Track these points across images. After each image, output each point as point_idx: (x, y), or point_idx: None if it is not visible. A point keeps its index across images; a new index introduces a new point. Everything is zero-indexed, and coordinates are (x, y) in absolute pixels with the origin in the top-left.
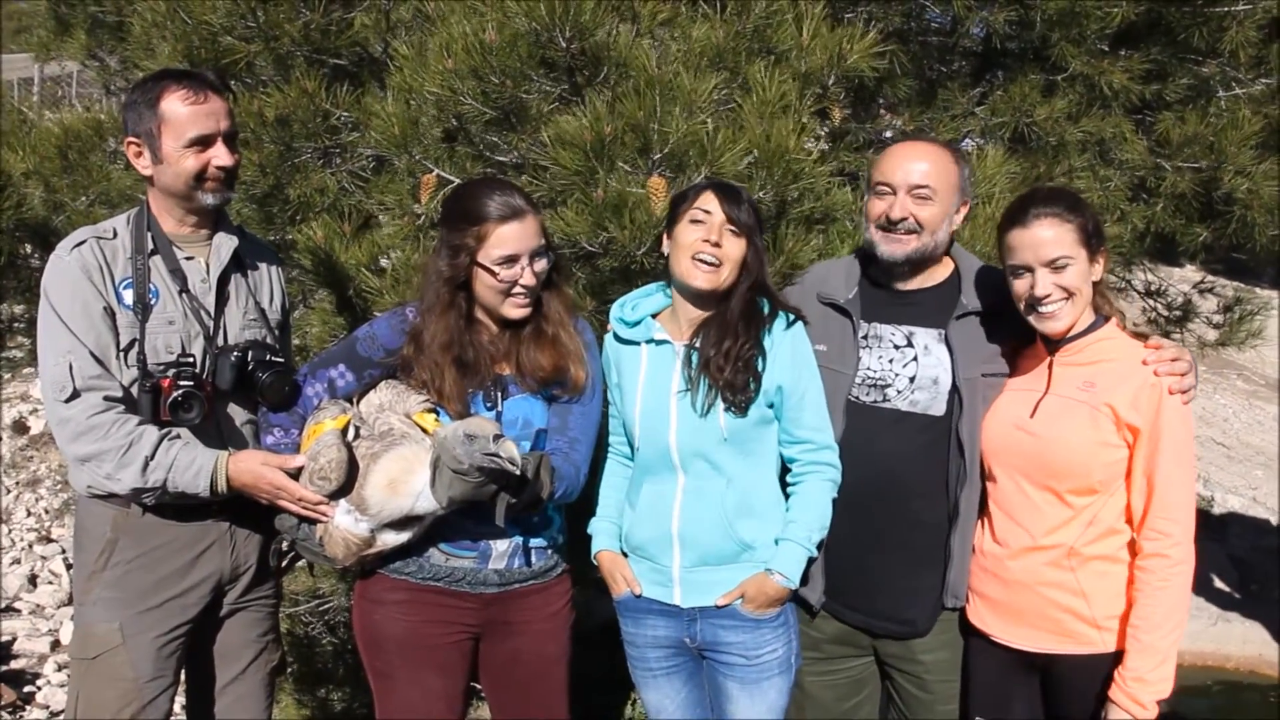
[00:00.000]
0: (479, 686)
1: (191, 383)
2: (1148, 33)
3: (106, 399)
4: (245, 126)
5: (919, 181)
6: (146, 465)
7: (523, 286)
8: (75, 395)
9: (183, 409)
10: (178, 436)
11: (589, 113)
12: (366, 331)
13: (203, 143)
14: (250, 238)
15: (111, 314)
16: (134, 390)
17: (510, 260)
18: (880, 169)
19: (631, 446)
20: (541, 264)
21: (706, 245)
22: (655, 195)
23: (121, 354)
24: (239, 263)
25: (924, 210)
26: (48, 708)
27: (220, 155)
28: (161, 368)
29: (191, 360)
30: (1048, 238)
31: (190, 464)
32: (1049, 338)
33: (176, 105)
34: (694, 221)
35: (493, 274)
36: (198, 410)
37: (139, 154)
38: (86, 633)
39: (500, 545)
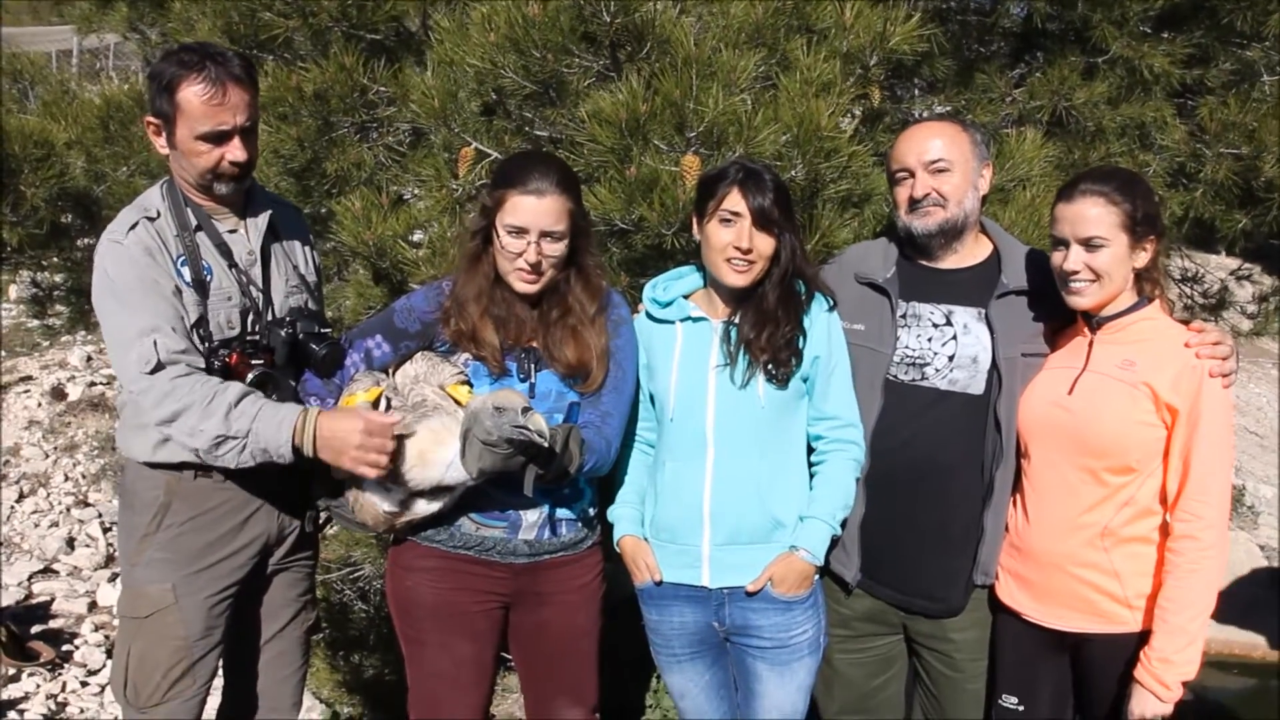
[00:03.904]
0: (509, 656)
1: (262, 361)
2: (1191, 15)
3: (190, 367)
4: (284, 101)
5: (933, 157)
6: (230, 411)
7: (526, 262)
8: (160, 367)
9: (265, 390)
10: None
11: (625, 89)
12: (404, 304)
13: (217, 138)
14: (274, 199)
15: (179, 292)
16: None
17: (518, 232)
18: (895, 157)
19: (658, 427)
20: (553, 248)
21: (737, 252)
22: (688, 174)
23: (191, 330)
24: (273, 230)
25: (944, 183)
26: (85, 665)
27: (234, 151)
28: (223, 344)
29: (258, 338)
30: (1088, 215)
31: (275, 413)
32: (1090, 316)
33: (192, 99)
34: (723, 222)
35: (500, 239)
36: (272, 388)
37: (157, 134)
38: (138, 593)
39: (530, 516)
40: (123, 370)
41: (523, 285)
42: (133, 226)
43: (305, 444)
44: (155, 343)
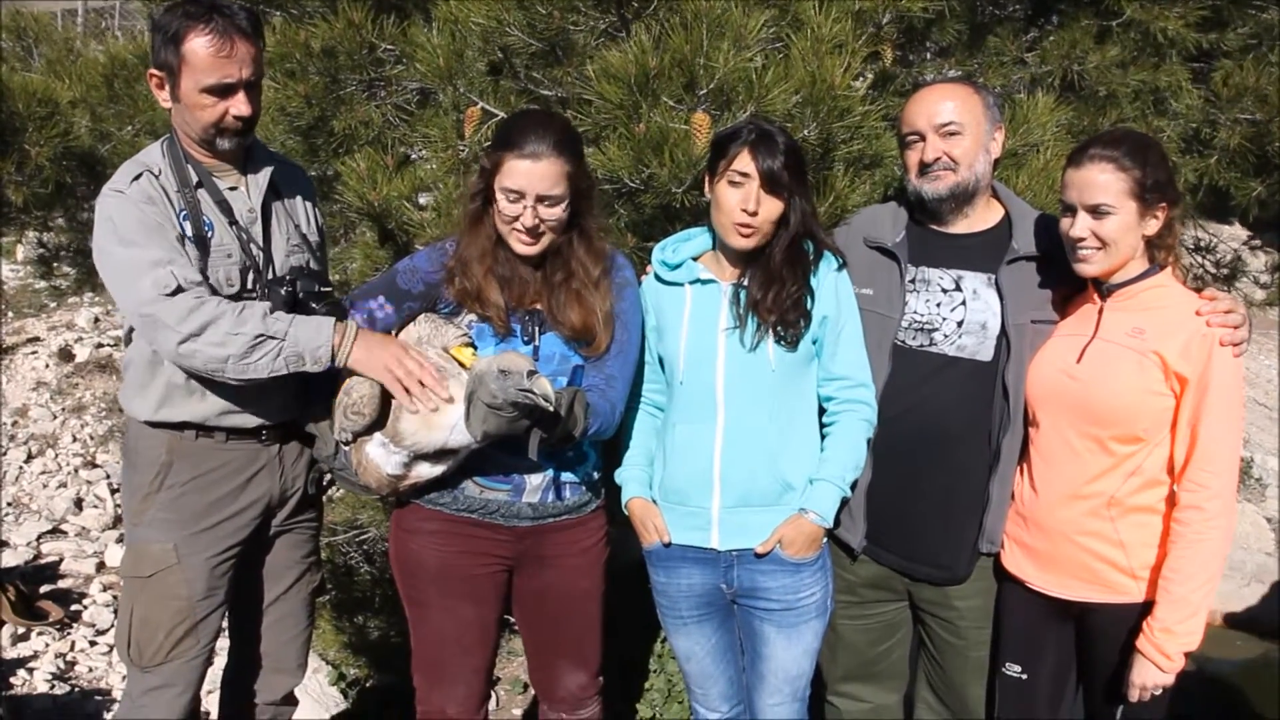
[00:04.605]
0: (513, 619)
1: None
2: None
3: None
4: (291, 58)
5: (944, 120)
6: (265, 315)
7: (523, 225)
8: (180, 289)
9: None
10: None
11: (634, 45)
12: (407, 264)
13: (222, 91)
14: (276, 157)
15: (182, 242)
16: None
17: (515, 195)
18: (906, 120)
19: (667, 390)
20: (550, 212)
21: (744, 214)
22: (698, 132)
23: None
24: (274, 188)
25: (955, 146)
26: (94, 625)
27: (238, 105)
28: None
29: (258, 296)
30: (1096, 182)
31: (311, 319)
32: (1100, 283)
33: (199, 50)
34: (732, 184)
35: (497, 202)
36: None
37: (160, 86)
38: (140, 552)
39: (534, 479)
40: (134, 297)
41: (521, 248)
42: (135, 178)
43: (344, 347)
44: (173, 271)
